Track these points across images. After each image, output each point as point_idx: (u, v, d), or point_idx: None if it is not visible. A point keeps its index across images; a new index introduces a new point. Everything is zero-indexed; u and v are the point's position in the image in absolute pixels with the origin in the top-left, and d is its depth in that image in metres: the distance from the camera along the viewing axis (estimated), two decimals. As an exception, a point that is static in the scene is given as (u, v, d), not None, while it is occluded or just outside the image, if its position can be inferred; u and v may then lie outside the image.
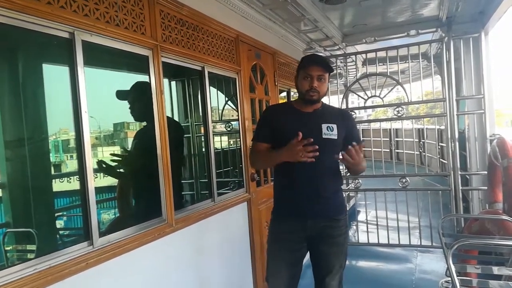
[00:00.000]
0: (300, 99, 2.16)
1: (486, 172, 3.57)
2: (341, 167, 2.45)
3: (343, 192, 2.29)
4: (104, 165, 2.54)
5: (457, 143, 4.12)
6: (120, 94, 2.73)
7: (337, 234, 2.12)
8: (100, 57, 2.32)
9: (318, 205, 2.08)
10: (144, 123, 2.61)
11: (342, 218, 2.15)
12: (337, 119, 2.12)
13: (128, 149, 2.78)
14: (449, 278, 2.09)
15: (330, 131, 2.06)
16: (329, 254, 2.12)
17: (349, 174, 2.89)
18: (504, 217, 2.62)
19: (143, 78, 2.33)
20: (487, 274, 2.18)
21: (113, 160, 2.66)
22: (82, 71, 1.78)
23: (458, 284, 1.92)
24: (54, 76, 2.41)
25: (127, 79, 2.70)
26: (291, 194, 2.12)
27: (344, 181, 5.94)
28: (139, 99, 2.56)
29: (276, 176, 2.25)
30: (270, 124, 2.19)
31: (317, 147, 1.86)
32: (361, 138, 2.25)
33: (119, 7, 2.01)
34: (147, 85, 2.26)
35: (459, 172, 4.12)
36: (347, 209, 5.81)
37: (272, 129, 2.15)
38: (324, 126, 2.06)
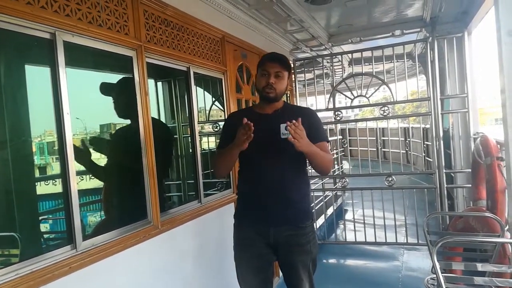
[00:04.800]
0: (260, 98, 2.13)
1: (470, 170, 3.62)
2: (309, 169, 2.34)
3: (311, 197, 2.21)
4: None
5: (441, 142, 4.17)
6: (105, 88, 2.65)
7: (305, 242, 2.04)
8: (82, 58, 2.28)
9: (282, 209, 2.01)
10: (127, 122, 2.56)
11: (309, 225, 2.08)
12: (296, 118, 1.98)
13: (108, 148, 2.71)
14: (435, 275, 2.11)
15: (288, 131, 1.99)
16: (298, 262, 2.05)
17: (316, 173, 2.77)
18: (488, 214, 2.66)
19: (127, 78, 2.30)
20: (472, 270, 2.21)
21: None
22: (64, 72, 1.75)
23: (443, 281, 1.94)
24: (36, 78, 2.37)
25: (111, 80, 2.66)
26: (255, 194, 2.05)
27: (331, 180, 5.97)
28: (123, 94, 2.50)
29: (241, 176, 2.18)
30: (230, 131, 2.11)
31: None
32: (326, 136, 2.15)
33: (101, 7, 1.98)
34: (131, 80, 2.23)
35: (444, 170, 4.18)
36: (335, 208, 5.86)
37: (233, 136, 2.07)
38: (282, 126, 1.97)
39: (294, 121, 1.81)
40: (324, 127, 2.23)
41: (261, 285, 2.13)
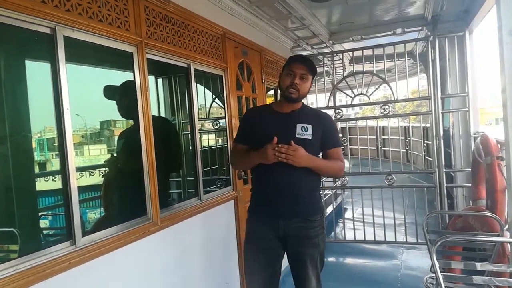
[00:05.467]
0: (281, 97, 2.17)
1: (470, 169, 3.62)
2: None
3: (320, 192, 2.25)
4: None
5: (442, 141, 4.16)
6: (108, 92, 2.67)
7: (314, 235, 2.08)
8: (83, 54, 2.28)
9: (291, 205, 2.05)
10: (131, 122, 2.57)
11: (318, 219, 2.12)
12: (313, 120, 2.11)
13: (114, 149, 2.73)
14: (434, 274, 2.11)
15: (304, 131, 2.05)
16: (306, 255, 2.07)
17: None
18: (487, 213, 2.66)
19: (127, 75, 2.29)
20: (471, 269, 2.21)
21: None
22: (64, 68, 1.75)
23: (441, 280, 1.94)
24: (36, 73, 2.37)
25: (112, 76, 2.66)
26: (265, 193, 2.12)
27: (331, 179, 5.97)
28: (126, 97, 2.52)
29: (253, 174, 2.24)
30: (248, 126, 2.22)
31: (287, 146, 1.90)
32: (340, 142, 2.22)
33: (102, 2, 1.97)
34: (133, 82, 2.23)
35: (444, 170, 4.17)
36: (334, 206, 5.86)
37: (250, 131, 2.17)
38: (298, 126, 2.06)
39: (280, 145, 1.91)
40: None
41: (268, 280, 2.15)
